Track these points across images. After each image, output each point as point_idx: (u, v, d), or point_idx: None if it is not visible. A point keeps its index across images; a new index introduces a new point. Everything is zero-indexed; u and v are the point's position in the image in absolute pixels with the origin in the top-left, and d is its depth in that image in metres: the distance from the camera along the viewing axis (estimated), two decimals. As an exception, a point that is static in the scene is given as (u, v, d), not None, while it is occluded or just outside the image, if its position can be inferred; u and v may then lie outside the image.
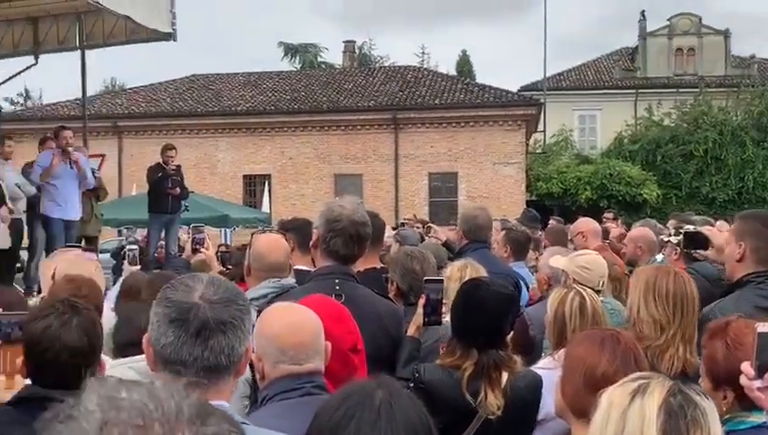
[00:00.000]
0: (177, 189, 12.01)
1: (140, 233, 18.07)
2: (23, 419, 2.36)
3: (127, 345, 3.14)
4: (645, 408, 1.72)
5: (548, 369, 3.18)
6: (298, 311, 2.43)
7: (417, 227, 9.93)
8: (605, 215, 14.12)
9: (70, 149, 10.34)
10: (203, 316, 1.94)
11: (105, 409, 0.82)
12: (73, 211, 10.41)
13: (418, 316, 3.56)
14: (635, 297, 3.27)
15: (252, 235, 4.14)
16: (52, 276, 4.17)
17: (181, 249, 13.27)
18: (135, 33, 12.08)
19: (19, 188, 10.03)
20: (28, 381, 2.48)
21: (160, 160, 12.16)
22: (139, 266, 5.92)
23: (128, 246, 6.12)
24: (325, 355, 2.39)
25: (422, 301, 3.58)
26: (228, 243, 17.12)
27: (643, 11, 40.09)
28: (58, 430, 0.81)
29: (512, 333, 3.70)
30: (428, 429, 1.62)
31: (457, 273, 4.11)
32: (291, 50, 49.86)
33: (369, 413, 1.57)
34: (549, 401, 2.85)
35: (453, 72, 45.47)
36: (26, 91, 48.02)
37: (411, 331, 3.56)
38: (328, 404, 1.66)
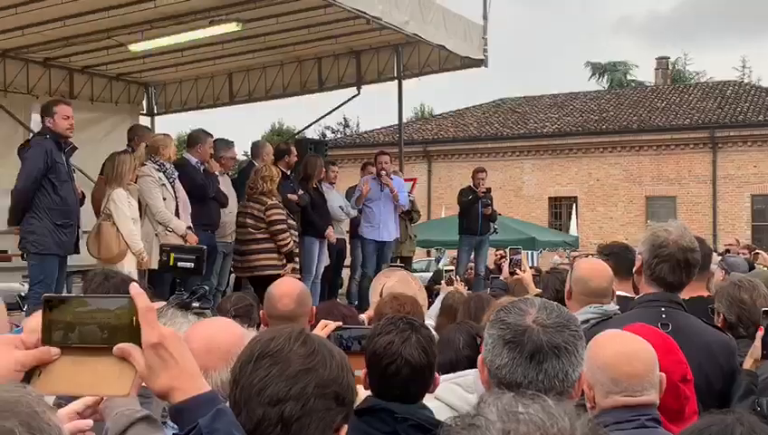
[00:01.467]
0: (490, 209, 12.29)
1: (449, 254, 18.70)
2: (363, 427, 2.55)
3: (446, 364, 3.28)
4: None
5: None
6: (632, 340, 2.38)
7: (743, 254, 9.28)
8: None
9: (383, 173, 10.99)
10: (537, 340, 1.99)
11: (505, 420, 0.87)
12: (387, 233, 11.04)
13: (756, 349, 3.34)
14: None
15: (573, 259, 4.13)
16: (381, 292, 4.44)
17: (490, 271, 13.52)
18: (448, 62, 12.56)
19: (342, 210, 10.82)
20: (369, 393, 2.67)
21: (471, 183, 12.50)
22: (452, 287, 6.21)
23: (445, 268, 6.45)
24: (660, 387, 2.32)
25: (760, 333, 3.35)
26: (536, 266, 17.14)
27: None
28: None
29: None
30: None
31: (805, 306, 3.78)
32: (598, 69, 49.00)
33: None
34: None
35: (778, 85, 41.94)
36: (345, 119, 51.69)
37: (748, 364, 3.34)
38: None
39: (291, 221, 9.15)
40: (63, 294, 1.60)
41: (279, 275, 8.39)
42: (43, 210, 7.21)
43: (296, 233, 9.30)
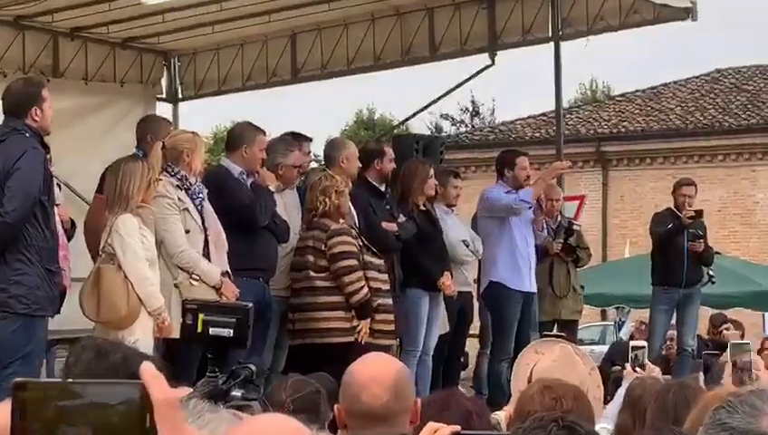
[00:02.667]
0: (701, 244, 12.11)
1: (637, 316, 18.38)
2: None
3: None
4: None
5: None
6: None
7: None
8: None
9: (531, 184, 10.90)
10: (779, 453, 1.99)
11: None
12: (528, 280, 10.93)
13: None
14: None
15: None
16: (528, 379, 4.43)
17: (704, 343, 13.21)
18: (634, 14, 12.46)
19: (466, 246, 10.75)
20: None
21: (672, 204, 12.32)
22: (643, 372, 6.15)
23: (631, 344, 6.42)
24: None
25: None
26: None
27: None
28: None
29: None
30: None
31: None
32: None
33: None
34: None
35: None
36: (473, 103, 51.21)
37: None
38: None
39: (371, 258, 9.18)
40: (42, 380, 1.62)
41: (350, 345, 8.51)
42: (34, 249, 7.29)
43: (382, 279, 9.28)
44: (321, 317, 8.95)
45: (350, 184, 9.43)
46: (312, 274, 9.01)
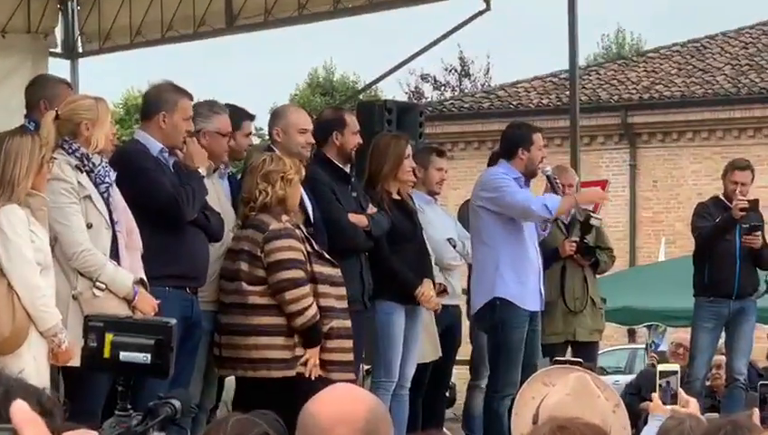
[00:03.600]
0: (759, 241, 12.21)
1: (674, 337, 18.48)
2: None
3: None
4: None
5: None
6: None
7: None
8: None
9: (545, 169, 10.94)
10: None
11: None
12: (539, 296, 10.88)
13: None
14: None
15: None
16: (534, 417, 4.47)
17: (756, 371, 13.31)
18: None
19: (452, 246, 10.82)
20: None
21: (720, 192, 12.36)
22: (677, 407, 6.21)
23: (659, 369, 6.45)
24: None
25: None
26: None
27: None
28: None
29: None
30: None
31: None
32: None
33: None
34: None
35: None
36: (462, 61, 51.19)
37: None
38: None
39: (322, 268, 9.07)
40: None
41: (294, 381, 8.57)
42: None
43: (336, 294, 9.18)
44: (253, 344, 8.84)
45: (303, 169, 9.20)
46: (246, 286, 8.89)
